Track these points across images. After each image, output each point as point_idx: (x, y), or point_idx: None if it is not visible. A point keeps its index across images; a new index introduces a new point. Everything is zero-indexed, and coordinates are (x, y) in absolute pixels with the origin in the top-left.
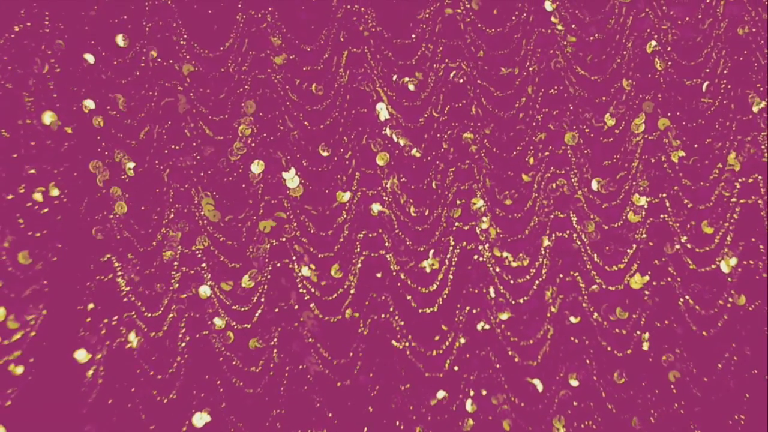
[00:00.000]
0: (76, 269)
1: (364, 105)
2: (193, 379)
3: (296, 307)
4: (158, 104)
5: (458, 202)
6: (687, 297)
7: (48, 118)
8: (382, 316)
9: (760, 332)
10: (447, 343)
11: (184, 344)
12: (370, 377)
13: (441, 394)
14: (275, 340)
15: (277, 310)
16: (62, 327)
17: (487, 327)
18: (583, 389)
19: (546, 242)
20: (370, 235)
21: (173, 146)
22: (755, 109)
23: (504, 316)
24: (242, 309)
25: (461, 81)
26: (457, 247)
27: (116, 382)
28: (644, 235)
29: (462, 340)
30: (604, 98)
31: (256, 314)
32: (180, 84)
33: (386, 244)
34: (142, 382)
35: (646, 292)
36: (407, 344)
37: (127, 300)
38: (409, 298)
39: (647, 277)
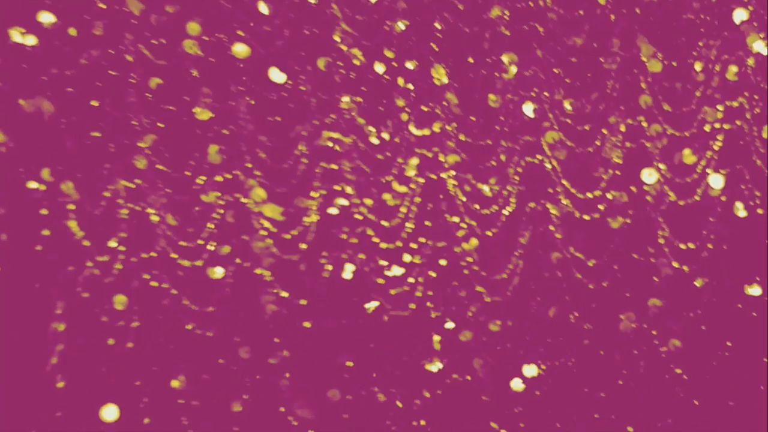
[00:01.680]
0: (25, 220)
1: (318, 24)
2: (147, 326)
3: None
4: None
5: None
6: (666, 229)
7: None
8: (344, 255)
9: (747, 265)
10: (412, 279)
11: (136, 287)
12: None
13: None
14: (231, 278)
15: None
16: (17, 283)
17: (455, 260)
18: (558, 324)
19: (515, 169)
20: (328, 167)
21: (112, 72)
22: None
23: (471, 249)
24: (191, 245)
25: None
26: (421, 176)
27: (78, 334)
28: (620, 160)
29: (432, 274)
30: (580, 12)
31: (207, 251)
32: (119, 5)
33: (346, 176)
34: (101, 331)
35: (628, 221)
36: (371, 280)
37: (82, 245)
38: (371, 233)
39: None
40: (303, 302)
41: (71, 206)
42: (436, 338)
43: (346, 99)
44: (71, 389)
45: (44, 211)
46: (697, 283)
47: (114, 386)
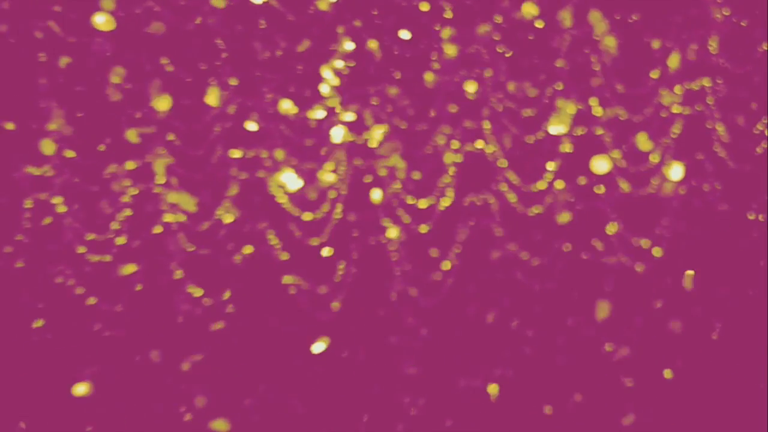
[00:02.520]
0: None
1: None
2: (52, 326)
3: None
4: None
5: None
6: (618, 223)
7: None
8: (262, 250)
9: (708, 267)
10: (337, 278)
11: (41, 283)
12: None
13: (320, 346)
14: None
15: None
16: None
17: (384, 258)
18: (497, 331)
19: (453, 157)
20: (247, 154)
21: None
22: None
23: (402, 245)
24: (101, 239)
25: None
26: (349, 164)
27: None
28: (569, 149)
29: (358, 273)
30: None
31: (116, 245)
32: None
33: (266, 164)
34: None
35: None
36: (292, 280)
37: None
38: (294, 228)
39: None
40: (215, 302)
41: None
42: (361, 343)
43: (269, 80)
44: None
45: None
46: (651, 284)
47: (16, 390)
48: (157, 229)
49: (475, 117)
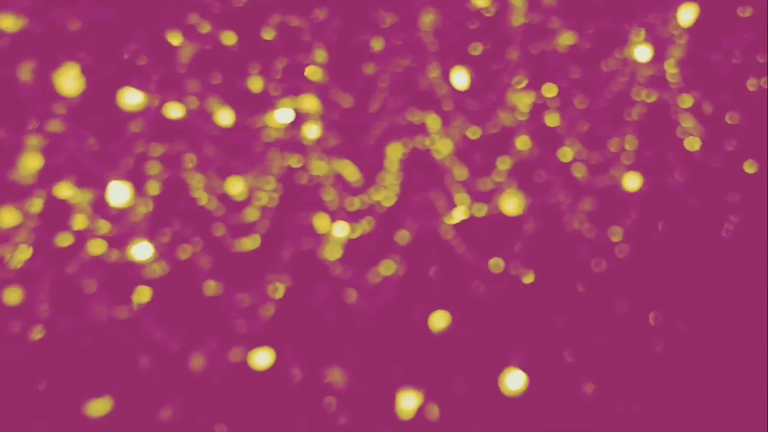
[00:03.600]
0: None
1: None
2: None
3: None
4: None
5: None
6: (576, 220)
7: None
8: (183, 254)
9: (672, 266)
10: (272, 290)
11: None
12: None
13: (266, 359)
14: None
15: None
16: None
17: (318, 263)
18: (443, 341)
19: (395, 153)
20: (167, 150)
21: None
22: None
23: (340, 251)
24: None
25: None
26: (280, 163)
27: None
28: (523, 143)
29: (288, 281)
30: None
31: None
32: None
33: (190, 164)
34: None
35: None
36: (218, 290)
37: None
38: (221, 231)
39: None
40: (128, 314)
41: None
42: (294, 353)
43: (195, 75)
44: None
45: None
46: (613, 284)
47: None
48: (66, 238)
49: (419, 105)
